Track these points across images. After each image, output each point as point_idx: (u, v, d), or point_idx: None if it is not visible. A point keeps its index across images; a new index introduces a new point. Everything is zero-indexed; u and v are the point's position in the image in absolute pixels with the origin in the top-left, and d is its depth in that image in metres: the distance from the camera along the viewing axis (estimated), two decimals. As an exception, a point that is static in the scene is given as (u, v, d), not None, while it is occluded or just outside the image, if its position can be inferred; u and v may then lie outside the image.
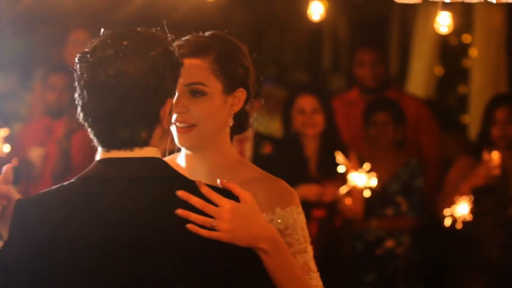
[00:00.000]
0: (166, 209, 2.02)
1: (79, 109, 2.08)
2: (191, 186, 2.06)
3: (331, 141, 5.03)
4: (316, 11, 5.70)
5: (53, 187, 2.10)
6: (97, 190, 2.04)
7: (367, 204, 4.93)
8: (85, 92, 2.04)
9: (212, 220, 2.04)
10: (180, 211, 2.01)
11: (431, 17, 7.74)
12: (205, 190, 2.06)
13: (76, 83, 2.07)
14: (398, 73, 8.56)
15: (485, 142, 4.88)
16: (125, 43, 2.03)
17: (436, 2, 4.52)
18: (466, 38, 8.20)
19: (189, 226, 2.01)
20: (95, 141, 2.10)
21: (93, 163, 2.10)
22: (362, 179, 4.72)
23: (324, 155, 5.00)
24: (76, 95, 2.07)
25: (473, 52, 7.63)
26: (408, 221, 5.16)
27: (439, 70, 8.49)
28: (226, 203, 2.07)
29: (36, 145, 5.32)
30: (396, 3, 4.07)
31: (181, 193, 2.03)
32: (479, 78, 7.28)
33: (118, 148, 2.07)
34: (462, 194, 4.66)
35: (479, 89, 7.34)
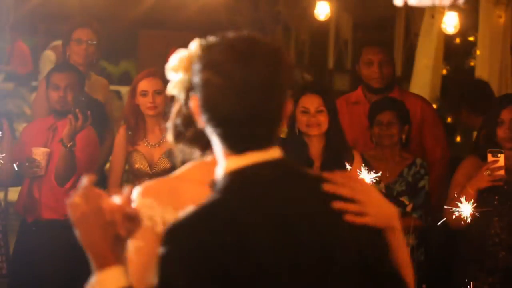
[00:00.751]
0: (320, 205, 2.04)
1: (208, 115, 2.02)
2: (322, 179, 2.09)
3: (336, 141, 5.01)
4: (323, 11, 5.71)
5: (196, 207, 1.99)
6: (252, 200, 1.99)
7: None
8: (219, 96, 2.00)
9: (361, 206, 2.08)
10: (338, 204, 2.04)
11: (436, 16, 7.74)
12: (341, 180, 2.08)
13: (201, 90, 2.02)
14: (403, 73, 8.56)
15: (491, 143, 4.85)
16: (251, 43, 2.03)
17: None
18: (471, 37, 8.20)
19: (347, 217, 2.04)
20: (226, 145, 2.03)
21: (231, 174, 2.02)
22: (367, 180, 4.69)
23: (329, 155, 4.98)
24: (203, 102, 2.02)
25: (478, 51, 7.62)
26: (413, 221, 5.14)
27: (444, 69, 8.48)
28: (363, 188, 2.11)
29: (40, 144, 5.30)
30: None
31: (329, 187, 2.05)
32: (483, 78, 7.26)
33: (254, 148, 2.03)
34: (467, 195, 4.64)
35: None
